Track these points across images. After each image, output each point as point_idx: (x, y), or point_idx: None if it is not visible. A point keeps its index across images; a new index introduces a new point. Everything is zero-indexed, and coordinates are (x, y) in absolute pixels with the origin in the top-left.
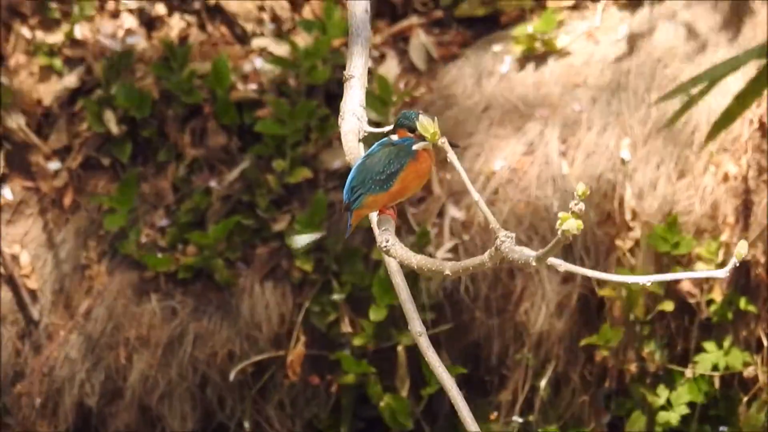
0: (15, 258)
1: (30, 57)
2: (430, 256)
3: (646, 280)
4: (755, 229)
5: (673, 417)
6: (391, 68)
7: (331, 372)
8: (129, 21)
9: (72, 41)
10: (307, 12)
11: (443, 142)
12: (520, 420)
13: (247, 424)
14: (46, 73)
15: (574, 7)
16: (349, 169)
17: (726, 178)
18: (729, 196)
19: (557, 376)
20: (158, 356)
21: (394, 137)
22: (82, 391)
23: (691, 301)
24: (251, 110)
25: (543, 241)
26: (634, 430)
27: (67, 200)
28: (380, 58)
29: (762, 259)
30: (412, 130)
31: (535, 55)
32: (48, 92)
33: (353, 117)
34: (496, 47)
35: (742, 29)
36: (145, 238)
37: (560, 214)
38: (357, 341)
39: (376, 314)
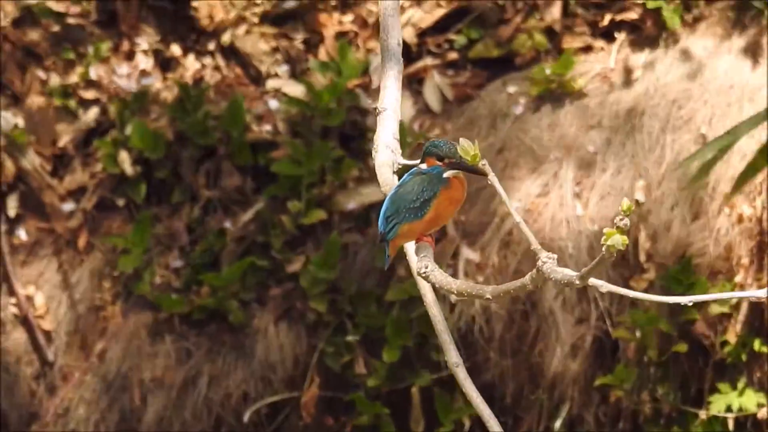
0: (30, 299)
1: (45, 98)
2: (444, 296)
3: (687, 300)
4: None
5: None
6: (406, 110)
7: (345, 413)
8: (144, 62)
9: (87, 82)
10: (321, 53)
11: (484, 164)
12: None
13: None
14: (62, 114)
15: (588, 48)
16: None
17: (740, 219)
18: (743, 237)
19: (572, 417)
20: (173, 397)
21: (423, 166)
22: None
23: (705, 342)
24: (266, 151)
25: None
26: None
27: (82, 241)
28: None
29: None
30: (441, 158)
31: (550, 97)
32: (63, 133)
33: (387, 149)
34: (511, 88)
35: (757, 70)
36: (159, 279)
37: (605, 230)
38: (371, 382)
39: (389, 355)
